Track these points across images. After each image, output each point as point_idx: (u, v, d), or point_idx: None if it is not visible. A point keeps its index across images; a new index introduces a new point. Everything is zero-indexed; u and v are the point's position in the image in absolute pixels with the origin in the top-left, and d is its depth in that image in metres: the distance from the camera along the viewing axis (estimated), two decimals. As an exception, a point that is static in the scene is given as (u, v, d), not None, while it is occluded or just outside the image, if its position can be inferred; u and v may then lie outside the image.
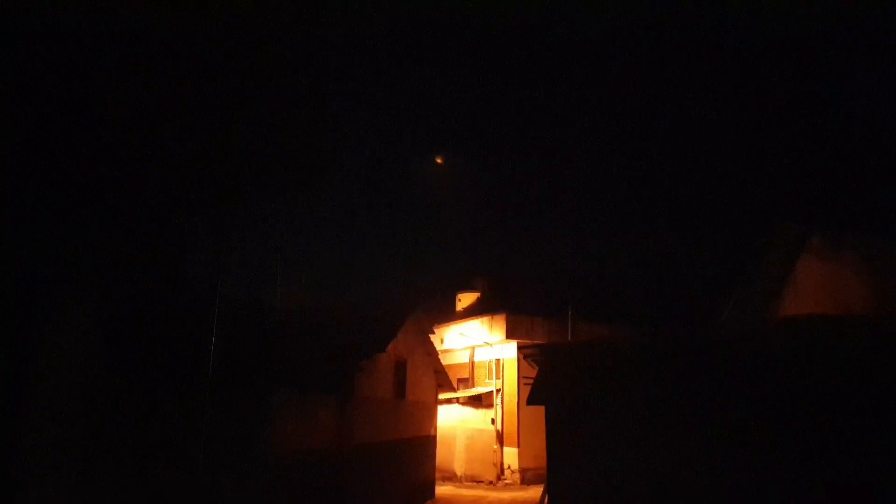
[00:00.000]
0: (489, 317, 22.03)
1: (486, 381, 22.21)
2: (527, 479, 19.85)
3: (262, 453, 9.30)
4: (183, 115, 6.12)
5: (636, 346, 9.57)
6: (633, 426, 8.45)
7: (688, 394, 8.09)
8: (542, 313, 21.92)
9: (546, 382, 9.64)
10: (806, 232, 11.19)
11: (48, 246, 5.54)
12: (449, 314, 26.88)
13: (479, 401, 21.31)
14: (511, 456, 20.49)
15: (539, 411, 9.82)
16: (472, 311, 25.25)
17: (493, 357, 22.06)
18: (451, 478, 20.75)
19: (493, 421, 21.00)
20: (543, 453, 9.65)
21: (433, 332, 21.80)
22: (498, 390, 21.38)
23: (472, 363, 23.12)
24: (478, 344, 22.42)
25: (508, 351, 21.35)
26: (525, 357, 10.64)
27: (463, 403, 21.31)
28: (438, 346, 21.03)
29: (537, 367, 10.04)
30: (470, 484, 20.12)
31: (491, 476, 20.27)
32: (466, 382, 23.00)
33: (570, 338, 20.19)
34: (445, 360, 20.74)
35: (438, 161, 34.80)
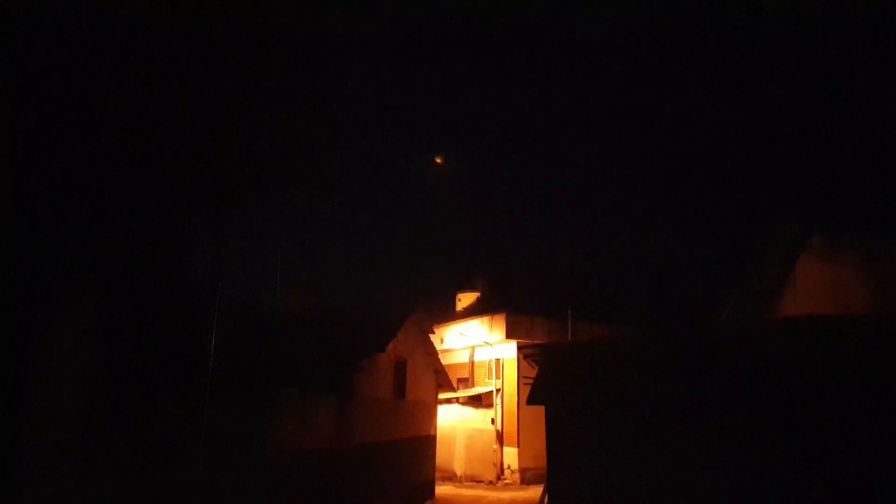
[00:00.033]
0: (489, 317, 22.03)
1: (486, 380, 22.21)
2: (527, 478, 19.85)
3: (262, 453, 9.30)
4: (183, 115, 6.12)
5: (636, 346, 9.56)
6: (633, 426, 8.45)
7: (688, 394, 8.09)
8: (542, 313, 21.93)
9: (546, 382, 9.64)
10: (806, 232, 11.18)
11: (48, 246, 5.54)
12: (449, 314, 26.89)
13: (479, 401, 21.32)
14: (511, 456, 20.49)
15: (539, 411, 9.82)
16: (472, 311, 25.26)
17: (493, 357, 22.06)
18: (450, 478, 20.75)
19: (492, 421, 21.00)
20: (543, 453, 9.64)
21: (433, 332, 21.80)
22: (498, 390, 21.38)
23: (472, 363, 23.12)
24: (478, 344, 22.42)
25: (508, 351, 21.36)
26: (525, 357, 10.63)
27: (463, 403, 21.31)
28: (438, 346, 21.03)
29: (537, 367, 10.03)
30: (470, 484, 20.12)
31: (491, 476, 20.27)
32: (466, 382, 23.00)
33: (570, 338, 20.19)
34: (445, 360, 20.74)
35: (438, 161, 34.78)
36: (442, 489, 18.54)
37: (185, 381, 7.63)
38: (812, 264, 11.10)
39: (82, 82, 5.35)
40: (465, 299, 28.02)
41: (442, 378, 18.68)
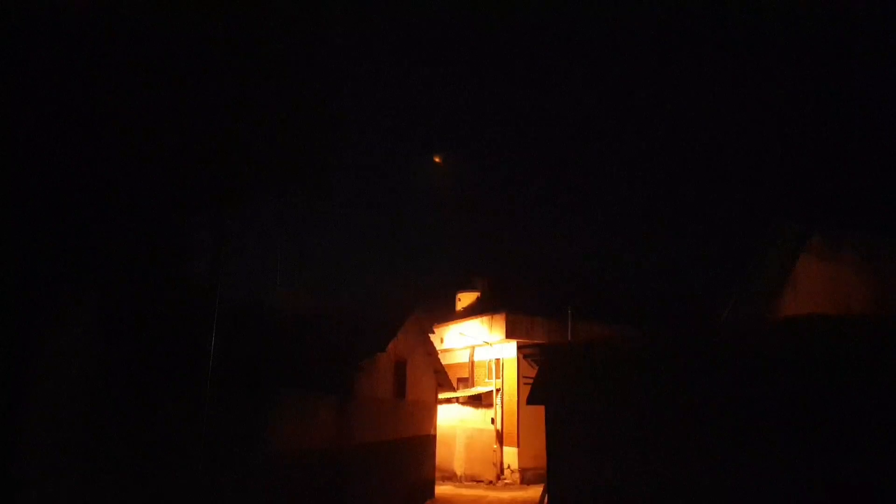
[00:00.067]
0: (489, 316, 22.02)
1: (486, 380, 22.20)
2: (526, 478, 19.85)
3: (262, 453, 9.30)
4: (183, 115, 6.12)
5: (636, 346, 9.57)
6: (633, 426, 8.45)
7: (688, 393, 8.09)
8: (542, 313, 21.91)
9: (546, 382, 9.64)
10: (806, 232, 11.18)
11: (48, 246, 5.54)
12: (449, 314, 26.87)
13: (479, 400, 21.31)
14: (511, 455, 20.48)
15: (539, 411, 9.82)
16: (472, 311, 25.24)
17: (493, 357, 22.06)
18: (450, 477, 20.75)
19: (492, 420, 21.00)
20: (543, 453, 9.65)
21: (433, 332, 21.79)
22: (498, 390, 21.38)
23: (472, 363, 23.12)
24: (478, 343, 22.42)
25: (508, 350, 21.35)
26: (525, 357, 10.63)
27: (463, 403, 21.30)
28: (438, 346, 21.02)
29: (537, 367, 10.04)
30: (470, 483, 20.12)
31: (491, 476, 20.27)
32: (466, 382, 22.99)
33: (570, 338, 20.18)
34: (445, 360, 20.74)
35: (438, 161, 34.78)
36: (442, 489, 18.54)
37: (185, 381, 7.63)
38: (812, 264, 11.10)
39: (82, 82, 5.35)
40: (465, 299, 28.00)
41: (442, 378, 18.68)
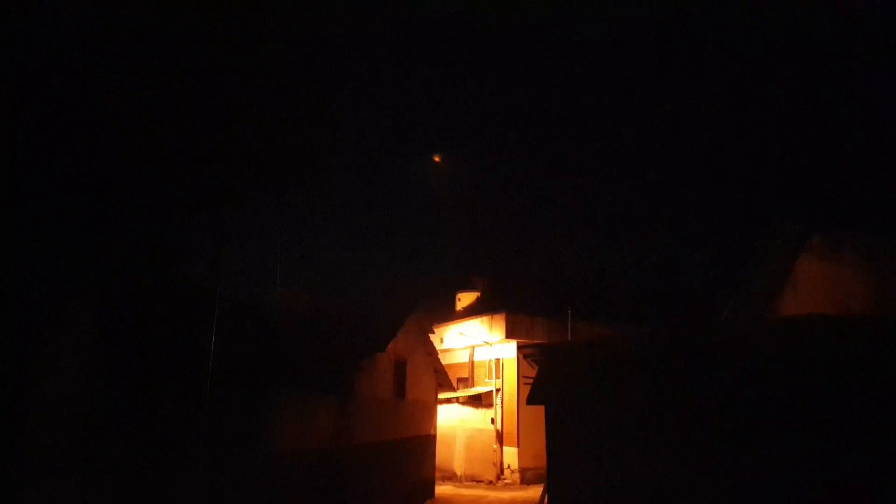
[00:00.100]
0: (489, 316, 22.02)
1: (486, 380, 22.20)
2: (526, 478, 19.84)
3: (262, 453, 9.30)
4: (183, 115, 6.12)
5: (636, 346, 9.56)
6: (633, 426, 8.45)
7: (687, 393, 8.09)
8: (542, 313, 21.91)
9: (546, 382, 9.64)
10: (806, 232, 11.17)
11: (48, 246, 5.54)
12: (449, 314, 26.87)
13: (479, 400, 21.31)
14: (511, 455, 20.48)
15: (539, 411, 9.81)
16: (471, 311, 25.24)
17: (493, 357, 22.05)
18: (450, 477, 20.74)
19: (492, 420, 21.00)
20: (543, 453, 9.64)
21: (433, 332, 21.79)
22: (498, 390, 21.38)
23: (472, 363, 23.11)
24: (477, 343, 22.42)
25: (508, 350, 21.35)
26: (525, 357, 10.63)
27: (463, 403, 21.30)
28: (438, 346, 21.02)
29: (537, 367, 10.03)
30: (470, 483, 20.12)
31: (491, 476, 20.27)
32: (466, 382, 22.99)
33: (570, 337, 20.17)
34: (445, 360, 20.73)
35: (438, 161, 34.77)
36: (442, 489, 18.54)
37: (185, 381, 7.63)
38: (812, 264, 11.10)
39: (82, 82, 5.35)
40: (465, 299, 28.00)
41: (442, 378, 18.68)
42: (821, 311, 9.37)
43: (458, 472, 20.94)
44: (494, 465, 20.46)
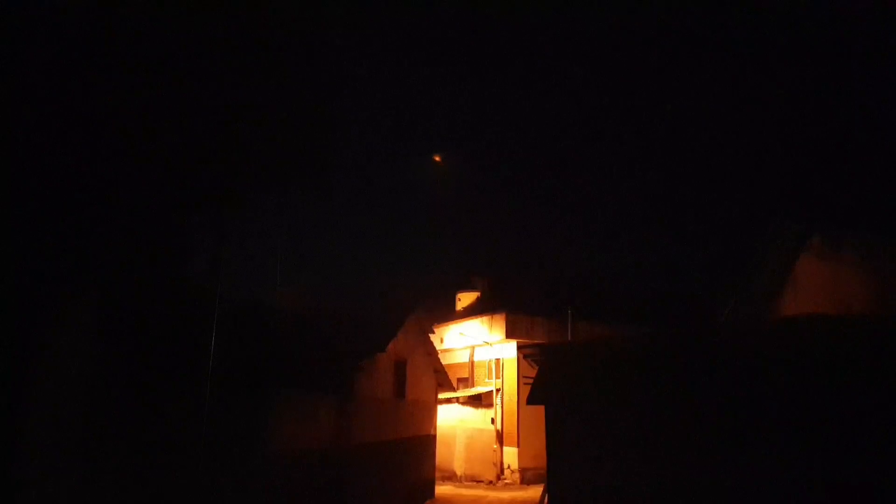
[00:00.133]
0: (489, 316, 22.02)
1: (486, 380, 22.20)
2: (527, 478, 19.84)
3: (262, 453, 9.30)
4: (183, 115, 6.12)
5: (636, 347, 9.56)
6: (633, 426, 8.45)
7: (687, 393, 8.09)
8: (542, 313, 21.91)
9: (546, 382, 9.64)
10: (806, 232, 11.17)
11: (48, 246, 5.54)
12: (449, 314, 26.86)
13: (479, 400, 21.31)
14: (511, 455, 20.48)
15: (539, 411, 9.81)
16: (471, 311, 25.23)
17: (493, 357, 22.05)
18: (450, 477, 20.74)
19: (492, 420, 20.99)
20: (543, 453, 9.64)
21: (433, 332, 21.78)
22: (498, 390, 21.37)
23: (472, 363, 23.11)
24: (478, 343, 22.42)
25: (508, 350, 21.35)
26: (525, 357, 10.63)
27: (463, 403, 21.30)
28: (438, 346, 21.02)
29: (537, 367, 10.03)
30: (470, 483, 20.12)
31: (491, 476, 20.27)
32: (466, 382, 22.99)
33: (570, 337, 20.18)
34: (445, 360, 20.73)
35: (439, 161, 34.78)
36: (442, 489, 18.53)
37: (185, 381, 7.63)
38: (812, 264, 11.10)
39: (82, 82, 5.35)
40: (465, 299, 27.99)
41: (442, 378, 18.67)
42: (821, 311, 9.37)
43: (458, 472, 20.94)
44: (494, 465, 20.46)
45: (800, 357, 7.44)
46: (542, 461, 10.42)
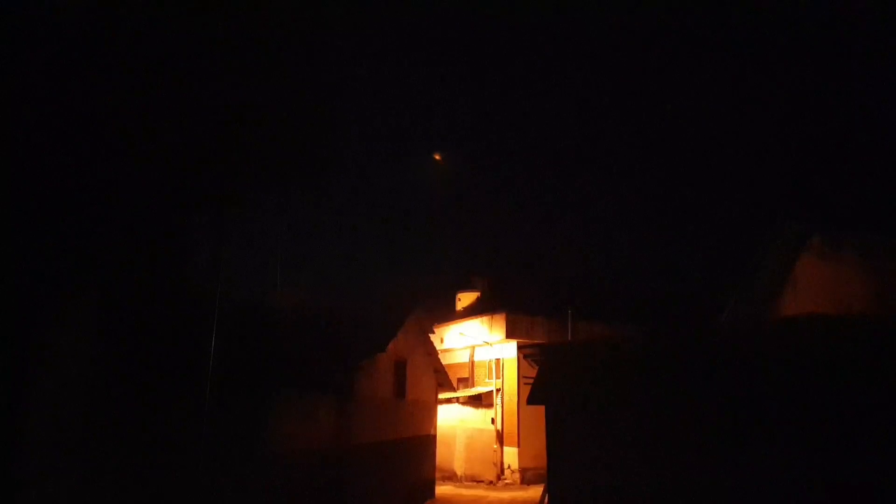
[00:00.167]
0: (489, 316, 22.01)
1: (486, 380, 22.20)
2: (527, 478, 19.84)
3: (262, 453, 9.30)
4: (183, 115, 6.12)
5: (636, 346, 9.56)
6: (633, 426, 8.45)
7: (687, 393, 8.09)
8: (542, 313, 21.90)
9: (546, 382, 9.64)
10: (806, 232, 11.18)
11: (49, 246, 5.54)
12: (449, 314, 26.86)
13: (479, 400, 21.31)
14: (511, 456, 20.48)
15: (539, 411, 9.81)
16: (472, 311, 25.23)
17: (493, 357, 22.05)
18: (451, 477, 20.74)
19: (492, 420, 20.99)
20: (543, 453, 9.64)
21: (433, 332, 21.78)
22: (498, 390, 21.37)
23: (472, 363, 23.11)
24: (478, 343, 22.42)
25: (508, 350, 21.35)
26: (525, 357, 10.63)
27: (463, 403, 21.30)
28: (438, 346, 21.01)
29: (537, 367, 10.03)
30: (470, 483, 20.11)
31: (491, 476, 20.27)
32: (466, 382, 22.99)
33: (570, 337, 20.17)
34: (445, 360, 20.72)
35: (439, 161, 34.77)
36: (442, 489, 18.53)
37: (185, 381, 7.63)
38: (812, 264, 11.10)
39: (83, 82, 5.35)
40: (465, 299, 27.98)
41: (442, 378, 18.67)
42: (821, 311, 9.37)
43: (459, 472, 20.94)
44: (495, 465, 20.46)
45: (800, 357, 7.44)
46: (543, 461, 10.42)
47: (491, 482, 20.03)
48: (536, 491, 16.55)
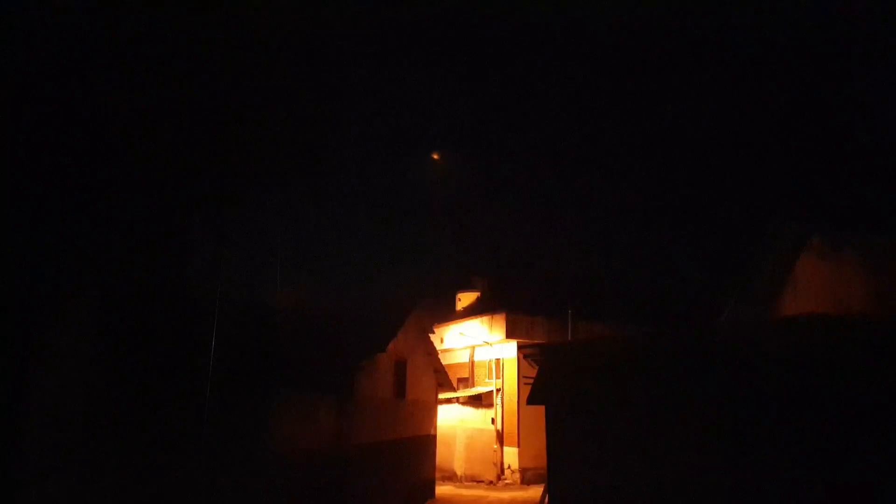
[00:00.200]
0: (489, 316, 22.02)
1: (486, 380, 22.20)
2: (527, 478, 19.84)
3: (262, 453, 9.30)
4: (183, 115, 6.12)
5: (636, 346, 9.57)
6: (633, 426, 8.45)
7: (687, 393, 8.09)
8: (542, 313, 21.91)
9: (546, 382, 9.64)
10: (806, 232, 11.18)
11: (49, 246, 5.54)
12: (449, 314, 26.86)
13: (479, 400, 21.31)
14: (511, 456, 20.48)
15: (539, 411, 9.81)
16: (472, 311, 25.23)
17: (493, 357, 22.05)
18: (451, 477, 20.75)
19: (493, 421, 21.00)
20: (543, 453, 9.64)
21: (433, 332, 21.78)
22: (498, 390, 21.38)
23: (472, 363, 23.12)
24: (478, 343, 22.42)
25: (508, 350, 21.35)
26: (525, 357, 10.63)
27: (463, 403, 21.30)
28: (438, 346, 21.01)
29: (537, 367, 10.04)
30: (470, 484, 20.12)
31: (491, 476, 20.27)
32: (466, 382, 22.99)
33: (570, 337, 20.18)
34: (445, 360, 20.73)
35: (438, 160, 34.76)
36: (442, 489, 18.54)
37: (185, 381, 7.63)
38: (812, 264, 11.10)
39: (83, 82, 5.35)
40: (465, 299, 27.99)
41: (442, 378, 18.67)
42: (821, 311, 9.37)
43: (459, 473, 20.94)
44: (495, 465, 20.46)
45: (800, 357, 7.44)
46: (543, 461, 10.43)
47: (491, 482, 20.03)
48: (536, 491, 16.55)
